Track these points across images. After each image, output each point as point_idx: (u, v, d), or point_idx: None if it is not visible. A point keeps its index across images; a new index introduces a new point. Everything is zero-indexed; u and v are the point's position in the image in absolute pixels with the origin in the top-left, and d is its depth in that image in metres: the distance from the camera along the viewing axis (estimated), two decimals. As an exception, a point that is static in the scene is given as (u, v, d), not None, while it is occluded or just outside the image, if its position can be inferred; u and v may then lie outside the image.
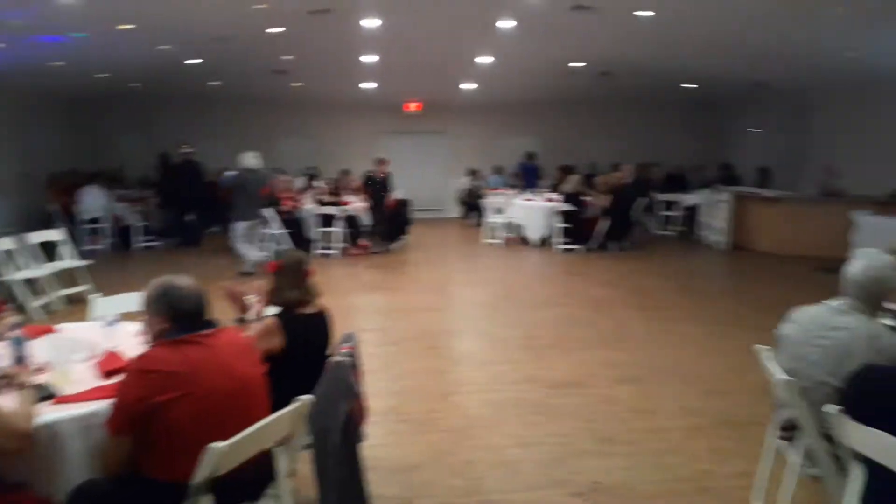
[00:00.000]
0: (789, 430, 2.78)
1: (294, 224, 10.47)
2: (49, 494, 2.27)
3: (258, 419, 2.36)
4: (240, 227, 8.99)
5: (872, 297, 2.69)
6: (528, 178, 14.76)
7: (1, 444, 2.06)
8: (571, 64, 11.52)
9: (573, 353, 5.56)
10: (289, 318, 3.08)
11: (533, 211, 11.54)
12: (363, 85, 13.43)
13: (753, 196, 11.28)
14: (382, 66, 11.57)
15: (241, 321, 3.23)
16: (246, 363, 2.46)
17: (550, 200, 11.58)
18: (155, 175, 13.00)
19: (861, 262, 2.76)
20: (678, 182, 14.08)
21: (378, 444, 3.78)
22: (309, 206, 10.83)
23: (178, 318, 2.35)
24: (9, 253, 6.72)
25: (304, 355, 3.06)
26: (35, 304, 6.64)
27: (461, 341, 6.16)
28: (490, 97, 15.29)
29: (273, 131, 15.70)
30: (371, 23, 8.66)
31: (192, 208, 11.83)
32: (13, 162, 11.69)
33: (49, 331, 3.37)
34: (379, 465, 3.53)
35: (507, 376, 5.02)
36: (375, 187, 11.45)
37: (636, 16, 8.13)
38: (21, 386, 2.30)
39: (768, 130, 14.96)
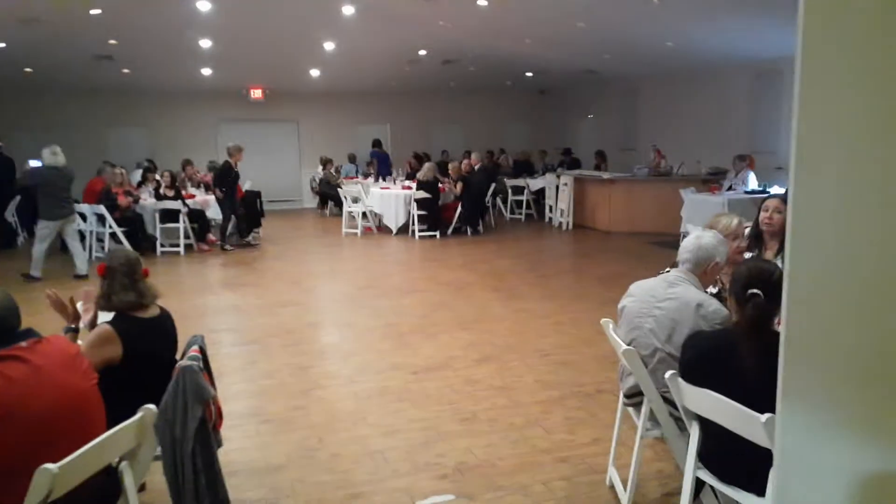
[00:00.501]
0: (634, 397, 2.99)
1: (131, 221, 9.73)
2: None
3: (95, 434, 2.17)
4: (43, 226, 8.16)
5: (701, 269, 2.96)
6: (379, 166, 14.75)
7: None
8: (419, 52, 11.63)
9: (434, 338, 5.65)
10: (124, 324, 2.84)
11: (390, 199, 11.56)
12: (201, 71, 12.69)
13: (592, 178, 12.05)
14: (220, 52, 11.01)
15: (73, 330, 2.94)
16: (76, 375, 2.24)
17: (407, 188, 11.66)
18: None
19: (692, 237, 3.03)
20: (525, 167, 14.72)
21: (239, 448, 3.62)
22: (148, 202, 10.08)
23: None
24: None
25: (146, 362, 2.84)
26: None
27: (323, 334, 6.04)
28: (341, 85, 15.08)
29: (102, 122, 14.42)
30: (202, 5, 8.20)
31: (4, 208, 10.68)
32: None
33: None
34: (241, 470, 3.39)
35: (371, 366, 4.99)
36: (233, 178, 10.71)
37: (471, 4, 8.36)
38: None
39: (603, 116, 16.05)
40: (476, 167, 12.46)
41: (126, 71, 12.17)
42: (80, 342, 2.77)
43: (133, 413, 2.33)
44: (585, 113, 16.75)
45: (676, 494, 2.80)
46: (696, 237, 3.01)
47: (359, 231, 11.64)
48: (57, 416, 2.08)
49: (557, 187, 12.37)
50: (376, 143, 15.45)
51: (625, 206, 11.37)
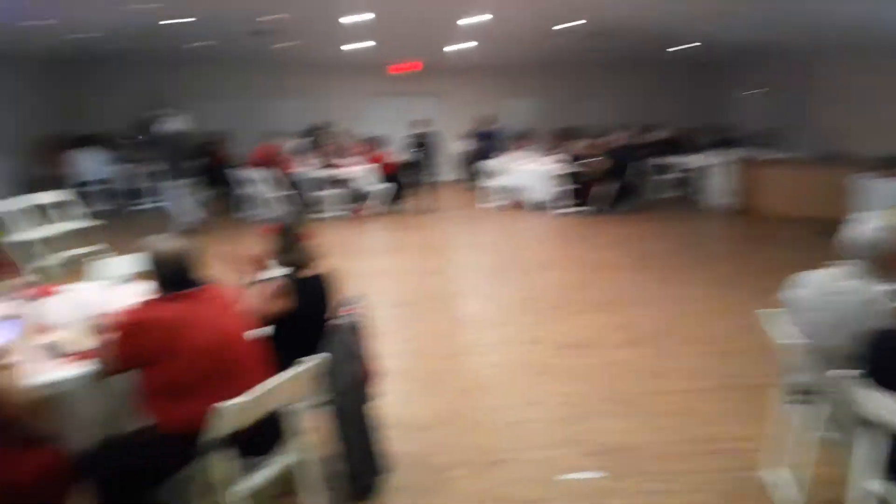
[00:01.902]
0: (798, 394, 2.80)
1: (293, 187, 10.40)
2: (67, 448, 2.31)
3: (252, 370, 2.49)
4: (174, 185, 9.11)
5: (874, 262, 2.68)
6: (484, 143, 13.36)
7: (8, 413, 2.15)
8: (567, 24, 11.33)
9: (576, 316, 5.59)
10: (294, 280, 3.06)
11: (535, 174, 11.48)
12: (351, 45, 13.17)
13: (754, 159, 11.24)
14: (371, 26, 11.33)
15: (249, 283, 3.22)
16: (232, 317, 2.57)
17: (552, 163, 11.52)
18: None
19: (864, 227, 2.74)
20: (677, 144, 13.98)
21: (390, 403, 3.81)
22: (308, 168, 10.73)
23: (162, 278, 2.45)
24: (13, 214, 6.69)
25: (312, 316, 3.06)
26: (43, 264, 6.64)
27: (465, 303, 6.17)
28: (487, 58, 15.05)
29: (266, 92, 15.46)
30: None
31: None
32: (4, 125, 11.50)
33: (58, 291, 3.36)
34: (392, 424, 3.57)
35: (513, 337, 5.04)
36: None
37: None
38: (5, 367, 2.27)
39: (768, 92, 14.84)
40: (626, 143, 12.03)
41: (283, 45, 12.89)
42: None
43: (289, 363, 2.54)
44: (749, 88, 15.58)
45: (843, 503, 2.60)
46: (872, 228, 2.73)
47: (501, 205, 11.69)
48: (215, 350, 2.39)
49: (714, 166, 11.65)
50: (487, 120, 13.98)
51: (791, 190, 10.49)
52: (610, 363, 4.51)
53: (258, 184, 10.24)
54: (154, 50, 13.32)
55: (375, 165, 11.57)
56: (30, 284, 2.99)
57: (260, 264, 3.30)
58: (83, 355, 2.46)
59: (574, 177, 10.87)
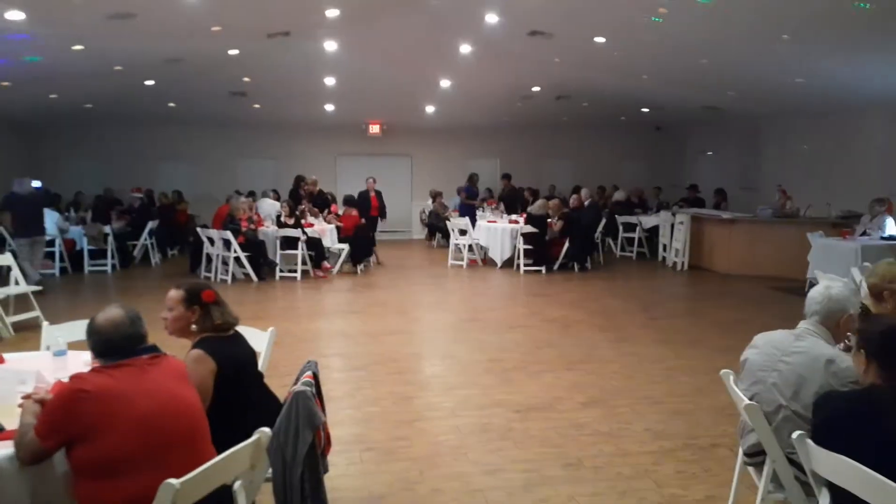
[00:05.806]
0: (755, 456, 2.79)
1: (255, 246, 10.30)
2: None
3: (200, 442, 2.37)
4: (18, 243, 9.11)
5: (832, 321, 2.74)
6: (461, 206, 14.17)
7: None
8: (532, 88, 11.71)
9: (539, 377, 5.55)
10: (211, 344, 2.90)
11: (497, 232, 11.60)
12: (323, 107, 13.38)
13: (711, 217, 11.54)
14: (341, 89, 11.57)
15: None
16: (187, 388, 2.46)
17: (514, 222, 11.66)
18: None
19: (821, 287, 2.81)
20: (637, 204, 14.31)
21: (343, 475, 3.69)
22: (270, 229, 10.67)
23: (104, 353, 2.37)
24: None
25: (238, 374, 2.90)
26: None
27: (427, 365, 6.08)
28: (454, 121, 15.42)
29: (234, 153, 15.52)
30: (329, 45, 8.66)
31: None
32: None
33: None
34: (343, 497, 3.44)
35: (474, 401, 4.97)
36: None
37: (591, 42, 8.31)
38: None
39: (722, 154, 15.42)
40: (586, 203, 12.28)
41: (257, 106, 13.05)
42: None
43: (236, 430, 2.44)
44: (704, 150, 16.17)
45: (802, 568, 2.56)
46: (826, 287, 2.80)
47: (464, 263, 11.73)
48: (164, 418, 2.25)
49: (672, 225, 11.92)
50: (471, 179, 14.68)
51: (746, 248, 10.78)
52: (571, 426, 4.45)
53: (219, 244, 10.12)
54: (122, 111, 13.36)
55: (336, 224, 11.59)
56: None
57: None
58: (13, 433, 2.32)
59: (536, 235, 10.99)
